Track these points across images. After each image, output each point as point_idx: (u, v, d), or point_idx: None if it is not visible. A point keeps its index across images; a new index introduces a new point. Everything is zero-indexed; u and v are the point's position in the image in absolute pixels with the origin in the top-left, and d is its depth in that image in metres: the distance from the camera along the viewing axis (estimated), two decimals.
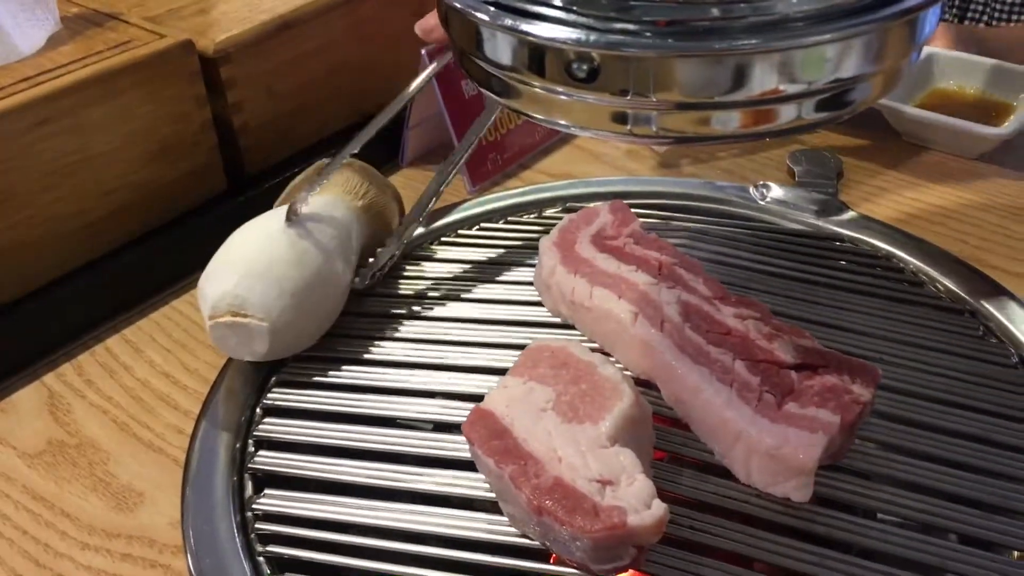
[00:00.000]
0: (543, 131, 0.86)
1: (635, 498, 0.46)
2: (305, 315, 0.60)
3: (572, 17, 0.40)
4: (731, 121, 0.43)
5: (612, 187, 0.79)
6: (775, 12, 0.39)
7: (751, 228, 0.73)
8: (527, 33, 0.40)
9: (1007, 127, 0.76)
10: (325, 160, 0.67)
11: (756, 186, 0.76)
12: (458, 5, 0.42)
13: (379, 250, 0.68)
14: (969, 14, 1.22)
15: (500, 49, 0.43)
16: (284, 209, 0.63)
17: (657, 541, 0.48)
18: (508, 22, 0.40)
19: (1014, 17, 1.19)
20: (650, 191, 0.78)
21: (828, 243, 0.71)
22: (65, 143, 0.68)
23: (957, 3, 1.22)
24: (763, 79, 0.41)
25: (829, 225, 0.73)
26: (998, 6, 1.19)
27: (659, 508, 0.45)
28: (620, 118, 0.43)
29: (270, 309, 0.58)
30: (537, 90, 0.44)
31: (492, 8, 0.41)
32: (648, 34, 0.39)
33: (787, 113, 0.43)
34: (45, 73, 0.68)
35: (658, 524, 0.45)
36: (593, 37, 0.38)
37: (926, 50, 0.86)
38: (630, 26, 0.39)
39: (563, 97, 0.43)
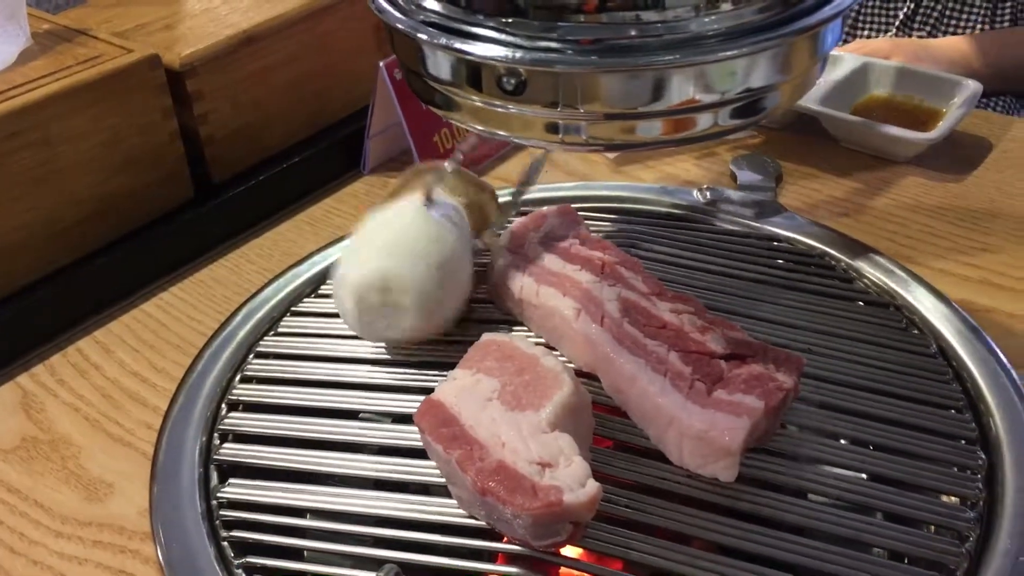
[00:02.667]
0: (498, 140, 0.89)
1: (571, 478, 0.49)
2: (448, 290, 0.62)
3: (502, 36, 0.43)
4: (654, 129, 0.47)
5: (565, 192, 0.82)
6: (689, 30, 0.43)
7: (694, 229, 0.77)
8: (460, 51, 0.44)
9: (933, 132, 0.80)
10: (422, 164, 0.70)
11: (700, 189, 0.80)
12: (400, 27, 0.46)
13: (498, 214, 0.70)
14: (919, 17, 1.26)
15: (440, 66, 0.47)
16: (405, 202, 0.65)
17: (593, 518, 0.51)
18: (443, 41, 0.44)
19: (964, 14, 1.23)
20: (601, 195, 0.82)
21: (766, 243, 0.75)
22: (36, 154, 0.71)
23: (906, 12, 1.26)
24: (681, 91, 0.45)
25: (767, 226, 0.77)
26: (952, 4, 1.23)
27: (593, 487, 0.49)
28: (552, 128, 0.47)
29: (417, 284, 0.60)
30: (476, 103, 0.48)
31: (431, 28, 0.45)
32: (571, 51, 0.42)
33: (705, 120, 0.47)
34: (16, 87, 0.71)
35: (591, 501, 0.49)
36: (519, 54, 0.42)
37: (862, 59, 0.91)
38: (555, 44, 0.43)
39: (500, 110, 0.47)
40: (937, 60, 1.09)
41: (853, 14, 1.29)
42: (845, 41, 1.29)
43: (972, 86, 0.85)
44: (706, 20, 0.43)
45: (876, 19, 1.30)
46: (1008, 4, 1.23)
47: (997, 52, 1.16)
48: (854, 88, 0.89)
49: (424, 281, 0.61)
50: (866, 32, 1.31)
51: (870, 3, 1.29)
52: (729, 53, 0.44)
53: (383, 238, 0.63)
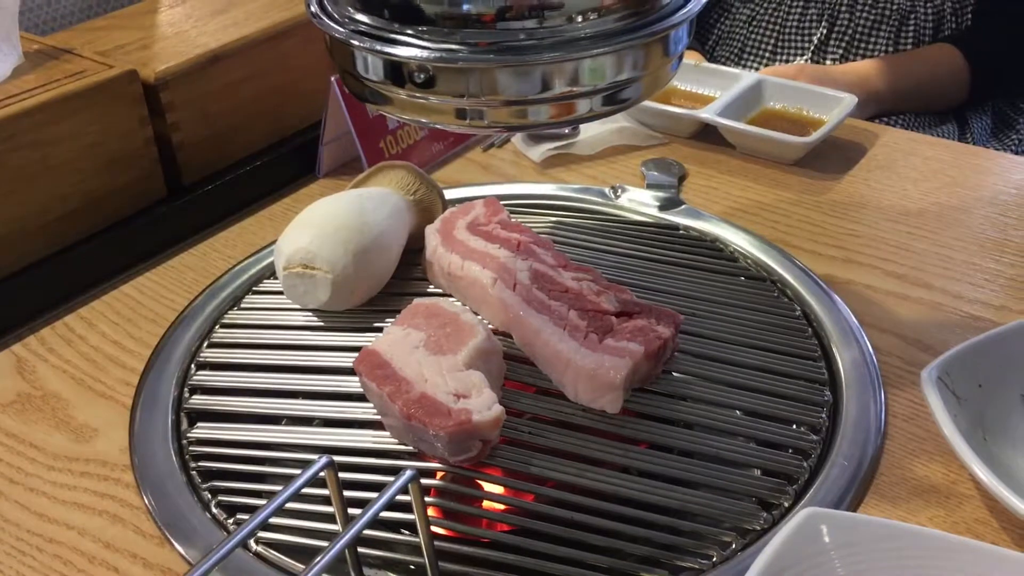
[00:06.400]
0: (440, 146, 1.00)
1: (480, 404, 0.60)
2: (362, 274, 0.74)
3: (416, 40, 0.55)
4: (543, 113, 0.58)
5: (495, 191, 0.93)
6: (567, 34, 0.55)
7: (605, 220, 0.88)
8: (382, 52, 0.55)
9: (810, 137, 0.92)
10: (385, 163, 0.83)
11: (613, 187, 0.92)
12: (337, 36, 0.57)
13: None
14: (832, 41, 1.39)
15: (369, 66, 0.58)
16: (353, 191, 0.78)
17: (501, 442, 0.62)
18: (367, 44, 0.55)
19: (873, 37, 1.36)
20: (528, 193, 0.93)
21: (666, 230, 0.86)
22: (27, 156, 0.82)
23: (819, 37, 1.39)
24: (561, 82, 0.56)
25: (669, 217, 0.88)
26: (861, 29, 1.36)
27: (497, 409, 0.60)
28: (461, 114, 0.58)
29: (335, 264, 0.72)
30: (402, 97, 0.59)
31: (360, 35, 0.56)
32: (468, 51, 0.54)
33: (583, 106, 0.58)
34: (11, 97, 0.82)
35: (496, 420, 0.59)
36: (426, 54, 0.53)
37: (758, 76, 1.03)
38: (458, 46, 0.54)
39: (420, 100, 0.58)
40: (838, 84, 1.21)
41: (773, 40, 1.42)
42: (765, 65, 1.42)
43: (847, 99, 0.97)
44: (580, 26, 0.55)
45: (793, 43, 1.43)
46: (911, 29, 1.37)
47: (893, 75, 1.29)
48: (750, 102, 1.01)
49: (341, 265, 0.72)
50: (785, 56, 1.44)
51: (788, 29, 1.42)
52: (597, 51, 0.55)
53: (316, 221, 0.74)
